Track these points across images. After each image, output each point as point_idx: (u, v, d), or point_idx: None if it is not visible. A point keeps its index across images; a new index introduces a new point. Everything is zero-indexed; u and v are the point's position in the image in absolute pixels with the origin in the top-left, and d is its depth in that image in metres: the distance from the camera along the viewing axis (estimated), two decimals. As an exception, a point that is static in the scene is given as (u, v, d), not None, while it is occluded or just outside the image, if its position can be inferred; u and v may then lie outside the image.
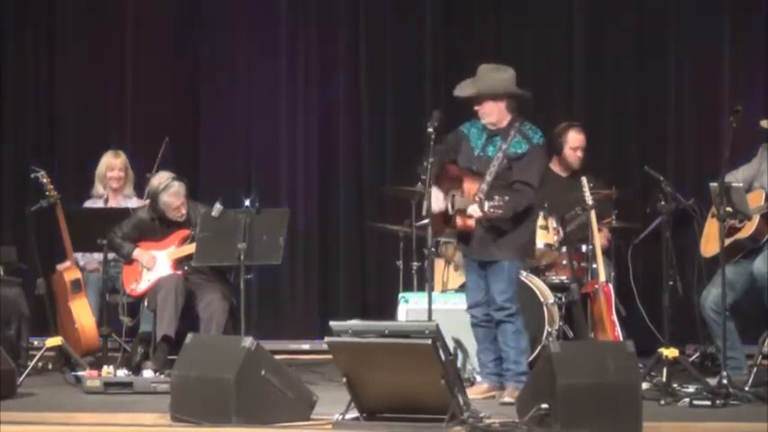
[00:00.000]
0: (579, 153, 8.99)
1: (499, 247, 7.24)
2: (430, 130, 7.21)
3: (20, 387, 7.58)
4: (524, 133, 7.26)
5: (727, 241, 7.48)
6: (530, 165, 7.21)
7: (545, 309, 8.31)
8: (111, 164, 9.31)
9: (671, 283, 7.75)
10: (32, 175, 8.78)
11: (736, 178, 7.72)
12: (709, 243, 7.88)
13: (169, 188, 8.52)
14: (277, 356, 7.31)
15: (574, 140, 8.99)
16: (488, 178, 7.17)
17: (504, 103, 7.27)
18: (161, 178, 8.61)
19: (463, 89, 7.34)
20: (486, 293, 7.33)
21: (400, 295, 8.43)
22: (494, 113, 7.27)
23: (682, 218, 8.19)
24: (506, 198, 6.95)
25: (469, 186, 7.20)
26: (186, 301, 8.42)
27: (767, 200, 7.71)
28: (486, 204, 6.95)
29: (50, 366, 8.57)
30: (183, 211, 8.57)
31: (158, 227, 8.65)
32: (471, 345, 7.77)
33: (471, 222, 7.19)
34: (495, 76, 7.30)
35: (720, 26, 9.94)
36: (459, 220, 7.21)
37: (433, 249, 7.34)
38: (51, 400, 7.51)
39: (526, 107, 7.41)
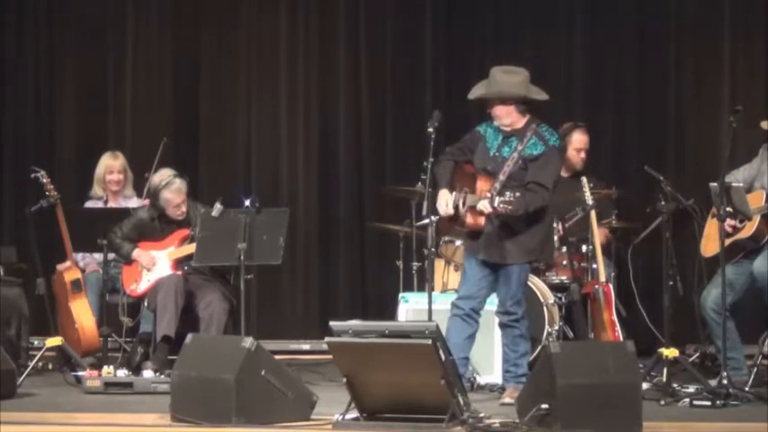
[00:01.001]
0: (582, 154, 8.99)
1: (508, 251, 7.20)
2: (430, 130, 7.21)
3: (20, 387, 7.59)
4: (541, 135, 7.24)
5: (728, 241, 7.48)
6: (545, 166, 7.19)
7: (545, 309, 8.31)
8: (110, 166, 9.30)
9: (671, 283, 7.75)
10: (32, 175, 8.77)
11: (736, 178, 7.72)
12: (710, 243, 7.88)
13: (170, 185, 8.52)
14: (277, 356, 7.31)
15: (578, 141, 8.99)
16: (501, 178, 7.14)
17: (514, 106, 7.24)
18: (162, 175, 8.61)
19: (473, 92, 7.34)
20: (481, 290, 7.30)
21: (400, 295, 8.43)
22: (505, 116, 7.25)
23: (682, 218, 8.18)
24: (518, 194, 6.93)
25: (482, 185, 7.17)
26: (186, 301, 8.42)
27: None
28: (497, 200, 6.92)
29: (50, 366, 8.56)
30: (184, 209, 8.57)
31: (158, 227, 8.65)
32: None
33: (481, 221, 7.17)
34: (505, 79, 7.27)
35: (720, 26, 9.94)
36: (469, 218, 7.18)
37: (432, 249, 7.33)
38: (51, 400, 7.51)
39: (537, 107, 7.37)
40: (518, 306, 7.28)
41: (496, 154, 7.26)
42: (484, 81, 7.34)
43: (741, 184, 7.59)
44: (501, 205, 6.90)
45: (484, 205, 7.01)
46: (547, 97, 7.33)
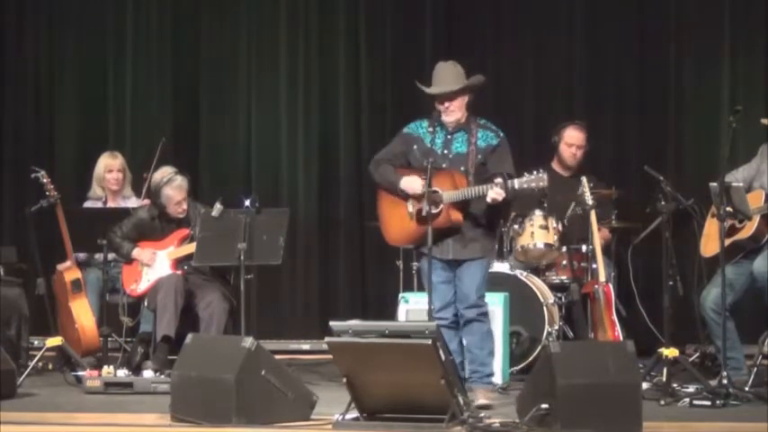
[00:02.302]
0: (574, 150, 8.99)
1: (476, 245, 7.12)
2: (430, 129, 7.19)
3: (20, 387, 7.59)
4: (488, 126, 7.20)
5: (727, 241, 7.47)
6: (507, 156, 7.15)
7: (545, 309, 8.32)
8: (109, 165, 9.30)
9: (671, 283, 7.75)
10: (32, 175, 8.77)
11: (735, 178, 7.72)
12: (710, 243, 7.87)
13: (172, 182, 8.52)
14: (277, 356, 7.32)
15: (570, 137, 8.99)
16: (472, 170, 7.07)
17: (468, 97, 7.19)
18: (164, 172, 8.62)
19: (448, 84, 7.14)
20: (454, 293, 7.18)
21: (400, 295, 8.43)
22: (462, 108, 7.16)
23: (682, 218, 8.18)
24: (541, 171, 6.87)
25: (459, 179, 7.06)
26: (186, 301, 8.42)
27: (767, 200, 7.70)
28: (517, 182, 6.86)
29: (50, 366, 8.56)
30: (185, 206, 8.57)
31: (158, 226, 8.65)
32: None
33: (460, 216, 7.05)
34: (459, 70, 7.20)
35: (720, 26, 9.94)
36: (454, 214, 7.03)
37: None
38: (51, 400, 7.52)
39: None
40: (483, 300, 7.18)
41: (446, 152, 7.16)
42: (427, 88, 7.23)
43: (741, 184, 7.59)
44: (525, 185, 6.85)
45: (498, 192, 6.89)
46: (483, 79, 7.27)
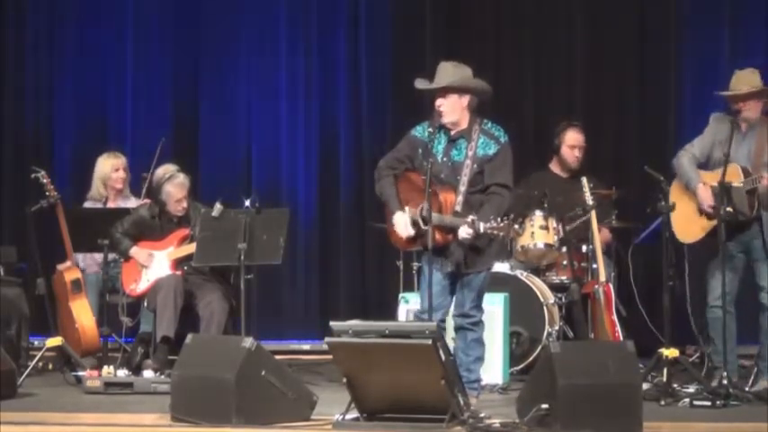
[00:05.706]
0: (576, 152, 9.00)
1: (476, 260, 6.95)
2: (430, 130, 7.15)
3: (20, 387, 7.59)
4: (490, 133, 6.96)
5: (712, 226, 7.35)
6: (503, 165, 6.93)
7: (545, 309, 8.32)
8: (115, 164, 9.30)
9: (671, 283, 7.74)
10: (32, 175, 8.77)
11: (693, 154, 7.65)
12: (690, 226, 7.67)
13: (174, 179, 8.53)
14: (277, 356, 7.32)
15: (571, 139, 9.00)
16: (462, 189, 6.88)
17: (468, 99, 6.96)
18: (166, 169, 8.62)
19: (436, 82, 7.00)
20: (445, 299, 7.01)
21: (400, 295, 8.43)
22: (456, 110, 6.95)
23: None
24: (508, 219, 6.67)
25: (446, 197, 6.88)
26: (186, 301, 8.42)
27: (745, 174, 7.54)
28: (482, 226, 6.66)
29: (50, 366, 8.57)
30: (185, 204, 8.57)
31: (158, 225, 8.65)
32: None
33: (442, 239, 6.86)
34: (459, 71, 7.02)
35: (720, 26, 9.94)
36: (438, 237, 6.82)
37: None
38: (51, 400, 7.52)
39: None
40: (477, 310, 7.02)
41: (445, 159, 6.97)
42: (425, 80, 7.09)
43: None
44: (489, 231, 6.66)
45: (467, 232, 6.72)
46: (489, 88, 7.07)
